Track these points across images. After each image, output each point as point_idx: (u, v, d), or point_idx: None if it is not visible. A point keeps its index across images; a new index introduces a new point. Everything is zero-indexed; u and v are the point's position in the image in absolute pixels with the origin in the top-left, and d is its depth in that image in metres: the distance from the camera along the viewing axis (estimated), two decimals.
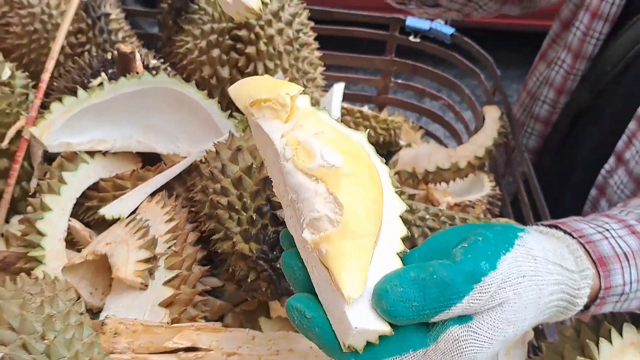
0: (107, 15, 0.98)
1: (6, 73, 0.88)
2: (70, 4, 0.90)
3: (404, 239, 0.40)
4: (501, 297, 0.39)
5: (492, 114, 0.96)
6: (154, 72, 0.78)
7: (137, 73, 0.78)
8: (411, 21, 1.16)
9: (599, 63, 0.93)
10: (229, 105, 0.88)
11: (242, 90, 0.43)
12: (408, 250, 0.41)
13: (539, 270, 0.41)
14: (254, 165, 0.65)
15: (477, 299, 0.37)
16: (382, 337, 0.37)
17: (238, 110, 0.92)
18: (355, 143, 0.41)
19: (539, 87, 1.04)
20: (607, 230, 0.51)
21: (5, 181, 0.77)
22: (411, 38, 1.17)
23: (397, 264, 0.38)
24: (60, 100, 0.70)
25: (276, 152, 0.40)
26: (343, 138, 0.40)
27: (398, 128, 1.17)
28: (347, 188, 0.38)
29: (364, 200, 0.38)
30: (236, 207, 0.63)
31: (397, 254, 0.39)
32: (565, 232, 0.50)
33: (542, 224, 0.53)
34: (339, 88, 1.06)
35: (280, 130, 0.40)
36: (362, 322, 0.36)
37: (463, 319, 0.38)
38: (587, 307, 0.49)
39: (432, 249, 0.42)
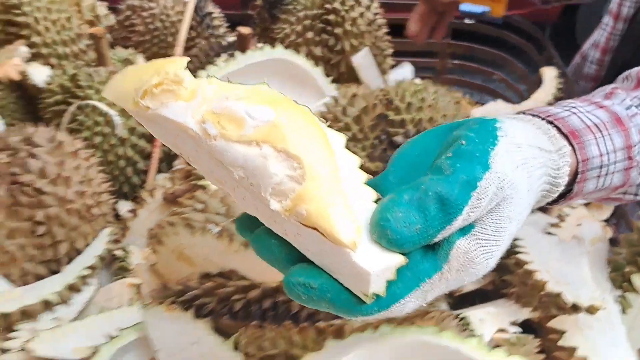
0: (211, 14, 1.16)
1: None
2: (188, 5, 1.08)
3: (361, 167, 0.37)
4: (499, 196, 0.37)
5: (550, 74, 1.10)
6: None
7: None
8: (465, 6, 1.31)
9: (635, 23, 1.08)
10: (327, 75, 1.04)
11: (121, 88, 0.37)
12: (372, 177, 0.38)
13: (526, 157, 0.40)
14: (368, 107, 0.80)
15: (476, 206, 0.35)
16: (397, 277, 0.34)
17: (340, 79, 1.07)
18: (265, 89, 0.37)
19: (589, 49, 1.19)
20: (574, 107, 0.49)
21: (152, 144, 0.94)
22: (466, 21, 1.32)
23: (372, 193, 0.36)
24: (204, 69, 0.86)
25: (195, 137, 0.35)
26: (254, 90, 0.36)
27: (457, 102, 1.31)
28: (292, 137, 0.34)
29: (313, 142, 0.34)
30: (359, 137, 0.78)
31: (365, 183, 0.36)
32: (533, 115, 0.47)
33: (508, 116, 0.48)
34: (407, 66, 1.22)
35: (189, 110, 0.35)
36: (375, 263, 0.33)
37: (465, 230, 0.36)
38: (569, 189, 0.47)
39: (406, 165, 0.40)
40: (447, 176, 0.35)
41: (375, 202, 0.35)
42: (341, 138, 0.36)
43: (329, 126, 0.37)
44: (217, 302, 0.58)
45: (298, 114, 0.35)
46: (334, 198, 0.33)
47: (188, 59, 0.37)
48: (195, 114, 0.34)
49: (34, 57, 1.06)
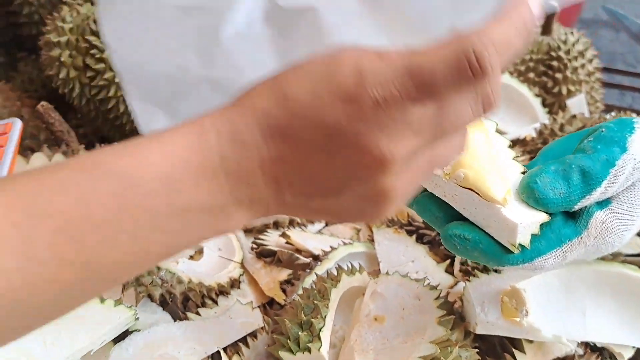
0: None
1: None
2: None
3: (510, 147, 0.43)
4: (635, 176, 0.42)
5: None
6: None
7: None
8: None
9: None
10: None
11: None
12: (519, 155, 0.46)
13: None
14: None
15: (613, 182, 0.41)
16: (541, 235, 0.40)
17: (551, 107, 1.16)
18: None
19: None
20: None
21: None
22: None
23: (519, 166, 0.42)
24: None
25: None
26: None
27: None
28: None
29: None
30: None
31: (513, 159, 0.42)
32: None
33: None
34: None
35: None
36: (522, 217, 0.39)
37: (603, 204, 0.42)
38: None
39: (550, 157, 0.45)
40: (589, 155, 0.41)
41: (522, 173, 0.42)
42: (493, 123, 0.43)
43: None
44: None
45: None
46: (488, 165, 0.40)
47: None
48: None
49: None
